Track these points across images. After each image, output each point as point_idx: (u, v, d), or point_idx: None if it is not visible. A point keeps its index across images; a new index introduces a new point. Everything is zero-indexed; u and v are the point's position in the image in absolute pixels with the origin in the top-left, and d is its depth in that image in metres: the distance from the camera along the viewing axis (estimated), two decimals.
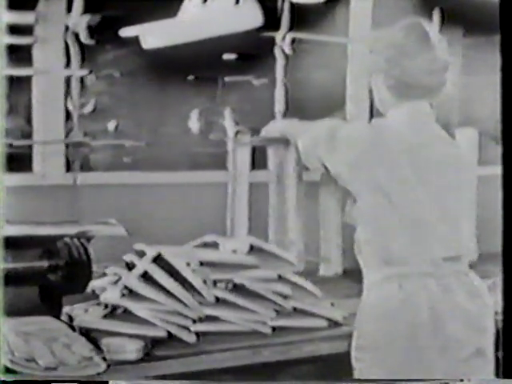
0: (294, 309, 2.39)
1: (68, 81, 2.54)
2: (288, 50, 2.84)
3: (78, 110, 2.55)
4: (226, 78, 2.77)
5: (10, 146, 2.39)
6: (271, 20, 2.76)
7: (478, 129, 2.92)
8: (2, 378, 1.91)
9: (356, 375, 2.08)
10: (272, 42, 2.81)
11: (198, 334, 2.15)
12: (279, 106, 2.84)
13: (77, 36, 2.54)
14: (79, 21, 2.51)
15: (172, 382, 2.06)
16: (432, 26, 2.22)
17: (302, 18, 2.84)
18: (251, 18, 2.61)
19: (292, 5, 2.81)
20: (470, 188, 2.12)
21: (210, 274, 2.18)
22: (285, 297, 2.38)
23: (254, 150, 2.68)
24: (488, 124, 2.98)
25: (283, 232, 2.69)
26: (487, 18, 2.47)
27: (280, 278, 2.39)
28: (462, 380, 2.03)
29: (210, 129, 2.77)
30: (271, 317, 2.32)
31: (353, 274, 2.74)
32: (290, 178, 2.62)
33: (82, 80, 2.53)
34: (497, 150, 3.00)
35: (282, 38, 2.81)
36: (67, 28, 2.52)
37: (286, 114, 2.84)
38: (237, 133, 2.72)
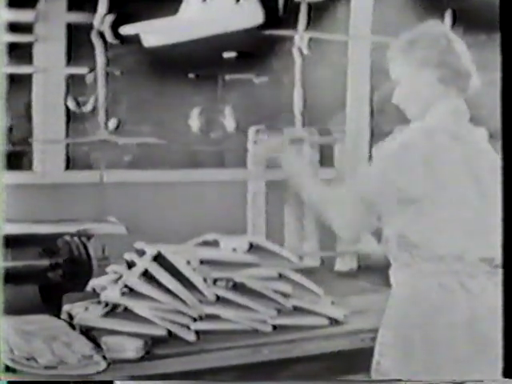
0: (295, 307, 2.40)
1: (68, 79, 2.53)
2: (305, 50, 2.84)
3: (79, 109, 2.54)
4: (227, 77, 2.76)
5: (13, 144, 2.39)
6: (272, 18, 2.75)
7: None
8: (3, 378, 1.91)
9: (376, 370, 2.06)
10: (273, 40, 2.80)
11: (198, 333, 2.15)
12: (298, 105, 2.84)
13: (102, 35, 2.53)
14: (103, 20, 2.51)
15: (174, 382, 2.06)
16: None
17: (309, 17, 2.83)
18: (252, 15, 2.60)
19: (295, 3, 2.80)
20: (498, 189, 2.13)
21: (210, 273, 2.17)
22: (285, 295, 2.38)
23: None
24: (488, 123, 2.98)
25: (299, 229, 2.70)
26: (486, 16, 2.47)
27: (280, 276, 2.38)
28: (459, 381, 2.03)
29: (211, 127, 2.76)
30: (272, 315, 2.31)
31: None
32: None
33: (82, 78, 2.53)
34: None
35: (300, 38, 2.80)
36: (91, 27, 2.52)
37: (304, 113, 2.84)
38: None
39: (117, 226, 2.13)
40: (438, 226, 2.00)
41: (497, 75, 3.05)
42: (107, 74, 2.54)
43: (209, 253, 2.22)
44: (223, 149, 2.73)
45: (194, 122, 2.72)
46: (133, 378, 1.99)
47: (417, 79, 2.10)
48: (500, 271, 2.06)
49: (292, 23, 2.86)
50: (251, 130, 2.76)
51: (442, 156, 2.02)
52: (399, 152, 2.02)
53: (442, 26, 2.17)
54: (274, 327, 2.31)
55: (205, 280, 2.15)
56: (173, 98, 2.68)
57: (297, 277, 2.43)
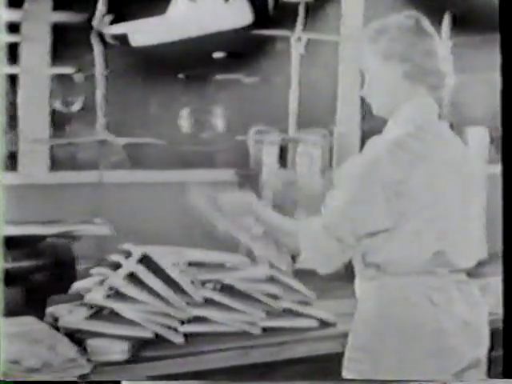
0: (285, 310, 2.38)
1: (54, 79, 2.52)
2: (300, 50, 2.82)
3: (67, 108, 2.52)
4: (217, 77, 2.75)
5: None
6: (261, 18, 2.74)
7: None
8: (2, 378, 1.89)
9: (347, 375, 2.03)
10: (263, 39, 2.79)
11: (186, 335, 2.13)
12: (293, 105, 2.82)
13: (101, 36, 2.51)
14: (103, 21, 2.49)
15: (179, 383, 2.05)
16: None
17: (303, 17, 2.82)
18: (241, 15, 2.58)
19: (284, 3, 2.80)
20: (481, 192, 2.04)
21: (198, 275, 2.15)
22: (275, 297, 2.36)
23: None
24: (484, 122, 2.97)
25: None
26: (485, 16, 2.46)
27: (270, 278, 2.37)
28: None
29: (201, 127, 2.74)
30: (261, 317, 2.30)
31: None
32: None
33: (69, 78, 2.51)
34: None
35: (296, 38, 2.78)
36: (77, 26, 2.49)
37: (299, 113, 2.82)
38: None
39: (102, 228, 2.11)
40: (405, 246, 1.92)
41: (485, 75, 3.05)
42: (94, 75, 2.53)
43: (197, 254, 2.20)
44: (213, 149, 2.72)
45: (184, 122, 2.71)
46: (138, 378, 1.99)
47: (381, 73, 1.96)
48: (469, 281, 2.00)
49: (282, 23, 2.85)
50: (252, 131, 2.74)
51: (408, 176, 1.89)
52: (364, 173, 1.89)
53: (413, 19, 1.96)
54: (264, 329, 2.29)
55: (192, 282, 2.13)
56: (163, 98, 2.67)
57: (287, 279, 2.41)
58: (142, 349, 2.00)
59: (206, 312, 2.17)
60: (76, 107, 2.52)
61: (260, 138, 2.69)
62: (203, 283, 2.20)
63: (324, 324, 2.40)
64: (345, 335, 2.39)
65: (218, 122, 2.75)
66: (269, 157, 2.76)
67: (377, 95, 1.98)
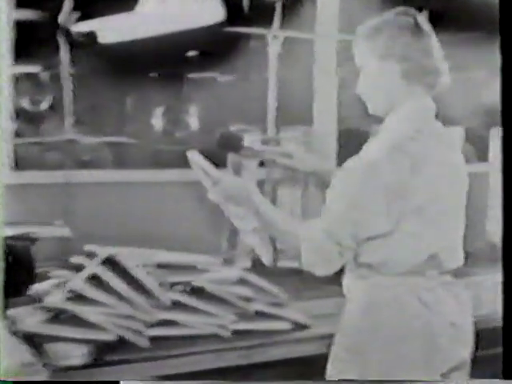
0: (257, 312, 2.34)
1: (21, 78, 2.48)
2: (279, 48, 2.79)
3: (34, 107, 2.48)
4: (191, 75, 2.71)
5: None
6: (236, 15, 2.70)
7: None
8: (2, 379, 1.85)
9: (334, 376, 2.00)
10: (238, 37, 2.75)
11: (153, 339, 2.09)
12: (271, 104, 2.78)
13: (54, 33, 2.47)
14: (69, 18, 2.45)
15: (179, 383, 2.03)
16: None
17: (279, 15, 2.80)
18: (212, 12, 2.54)
19: (260, 1, 2.77)
20: (464, 193, 2.03)
21: (166, 277, 2.12)
22: (247, 299, 2.32)
23: None
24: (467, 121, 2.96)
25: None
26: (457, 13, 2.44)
27: (242, 280, 2.33)
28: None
29: (175, 126, 2.71)
30: (232, 320, 2.26)
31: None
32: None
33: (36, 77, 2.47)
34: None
35: (272, 36, 2.75)
36: (41, 24, 2.46)
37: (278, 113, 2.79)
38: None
39: (62, 229, 2.07)
40: (402, 247, 1.90)
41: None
42: (60, 74, 2.49)
43: (165, 256, 2.16)
44: (188, 148, 2.67)
45: (158, 121, 2.67)
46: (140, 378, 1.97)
47: (378, 71, 1.92)
48: (456, 281, 1.99)
49: (258, 21, 2.82)
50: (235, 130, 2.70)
51: (407, 178, 1.87)
52: (365, 176, 1.86)
53: (411, 16, 1.93)
54: (235, 332, 2.26)
55: (160, 284, 2.09)
56: (135, 97, 2.63)
57: (259, 280, 2.38)
58: (107, 352, 1.96)
59: (175, 315, 2.13)
60: (44, 106, 2.48)
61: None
62: (172, 285, 2.16)
63: (298, 326, 2.37)
64: (319, 337, 2.38)
65: (193, 120, 2.71)
66: (248, 170, 2.72)
67: (374, 94, 1.95)
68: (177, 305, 2.15)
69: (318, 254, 1.90)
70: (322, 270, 1.93)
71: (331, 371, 2.00)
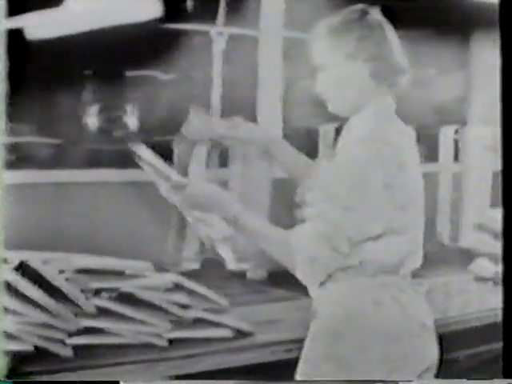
0: (196, 319, 2.25)
1: None
2: (223, 46, 2.71)
3: None
4: (129, 73, 2.61)
5: None
6: (177, 11, 2.61)
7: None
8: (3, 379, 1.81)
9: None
10: (180, 34, 2.66)
11: (77, 348, 1.98)
12: (215, 102, 2.70)
13: None
14: None
15: (179, 382, 2.01)
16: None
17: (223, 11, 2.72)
18: (149, 8, 2.45)
19: None
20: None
21: (90, 282, 2.00)
22: (183, 306, 2.22)
23: None
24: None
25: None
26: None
27: (177, 286, 2.23)
28: None
29: (112, 125, 2.60)
30: (167, 328, 2.16)
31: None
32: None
33: None
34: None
35: (217, 33, 2.67)
36: None
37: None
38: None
39: None
40: (384, 247, 1.85)
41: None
42: None
43: (88, 261, 2.05)
44: (125, 148, 2.56)
45: (92, 120, 2.56)
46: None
47: (345, 70, 1.87)
48: (424, 282, 2.03)
49: (202, 17, 2.73)
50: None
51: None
52: (353, 176, 1.81)
53: (377, 13, 1.89)
54: (171, 341, 2.16)
55: (84, 290, 1.98)
56: (67, 95, 2.52)
57: (196, 286, 2.28)
58: (23, 363, 1.85)
59: (100, 323, 2.02)
60: None
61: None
62: (98, 292, 2.05)
63: (240, 333, 2.27)
64: (264, 345, 2.29)
65: (131, 119, 2.61)
66: (197, 156, 2.62)
67: (338, 94, 1.89)
68: (103, 312, 2.05)
69: (313, 261, 1.82)
70: (316, 278, 1.87)
71: (304, 376, 1.93)
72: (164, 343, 2.14)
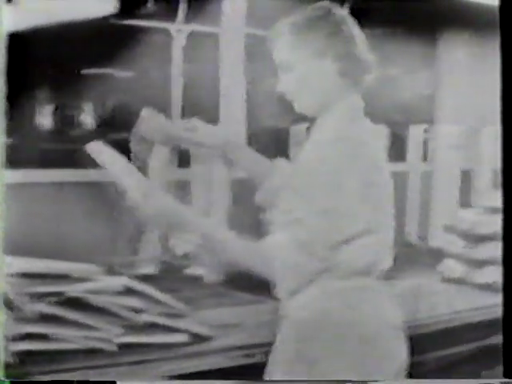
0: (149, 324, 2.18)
1: None
2: (184, 43, 2.66)
3: None
4: (85, 71, 2.54)
5: None
6: (136, 7, 2.55)
7: None
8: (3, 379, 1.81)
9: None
10: (138, 31, 2.60)
11: (19, 354, 1.92)
12: (175, 101, 2.64)
13: None
14: None
15: (178, 382, 1.98)
16: None
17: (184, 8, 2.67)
18: (104, 3, 2.38)
19: None
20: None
21: (31, 287, 1.94)
22: (135, 310, 2.16)
23: None
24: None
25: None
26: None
27: (130, 290, 2.17)
28: None
29: (67, 125, 2.53)
30: (117, 333, 2.09)
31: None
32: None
33: None
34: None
35: (176, 30, 2.63)
36: None
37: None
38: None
39: None
40: (364, 248, 1.83)
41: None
42: None
43: (29, 265, 1.98)
44: (80, 148, 2.49)
45: (46, 119, 2.50)
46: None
47: (313, 68, 1.84)
48: (393, 283, 1.95)
49: (162, 14, 2.68)
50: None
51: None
52: (327, 177, 1.78)
53: (342, 10, 1.89)
54: (122, 346, 2.09)
55: (25, 295, 1.92)
56: (20, 95, 2.46)
57: (149, 290, 2.21)
58: None
59: (44, 328, 1.96)
60: None
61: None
62: (41, 296, 1.98)
63: (198, 338, 2.21)
64: (223, 350, 2.23)
65: (88, 118, 2.54)
66: (157, 156, 2.56)
67: (305, 93, 1.86)
68: (47, 317, 1.98)
69: (293, 268, 1.80)
70: (297, 284, 1.84)
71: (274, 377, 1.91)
72: (113, 348, 2.08)
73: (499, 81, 2.44)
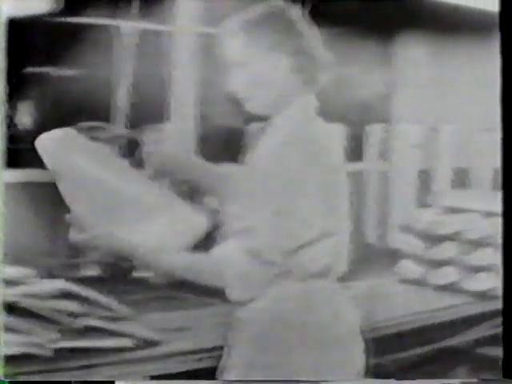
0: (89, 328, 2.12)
1: None
2: (136, 40, 2.61)
3: None
4: (26, 70, 2.48)
5: None
6: (77, 3, 2.50)
7: None
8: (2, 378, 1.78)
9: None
10: (86, 29, 2.55)
11: None
12: (123, 100, 2.59)
13: None
14: None
15: (174, 382, 1.97)
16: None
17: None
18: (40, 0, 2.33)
19: None
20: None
21: None
22: (74, 314, 2.09)
23: None
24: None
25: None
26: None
27: (68, 293, 2.10)
28: None
29: (2, 124, 2.47)
30: (52, 338, 2.02)
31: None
32: None
33: None
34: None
35: (126, 28, 2.58)
36: None
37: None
38: None
39: None
40: (321, 250, 1.78)
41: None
42: None
43: None
44: (20, 147, 2.43)
45: None
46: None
47: (265, 66, 1.79)
48: (350, 285, 1.90)
49: (112, 11, 2.63)
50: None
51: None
52: (278, 178, 1.72)
53: (294, 7, 1.84)
54: (59, 351, 2.02)
55: None
56: None
57: (89, 293, 2.15)
58: None
59: None
60: None
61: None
62: None
63: (144, 343, 2.15)
64: (171, 354, 2.17)
65: (24, 118, 2.48)
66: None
67: (258, 92, 1.80)
68: None
69: (245, 278, 1.74)
70: (250, 293, 1.78)
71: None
72: (49, 354, 2.01)
73: (460, 80, 2.41)
